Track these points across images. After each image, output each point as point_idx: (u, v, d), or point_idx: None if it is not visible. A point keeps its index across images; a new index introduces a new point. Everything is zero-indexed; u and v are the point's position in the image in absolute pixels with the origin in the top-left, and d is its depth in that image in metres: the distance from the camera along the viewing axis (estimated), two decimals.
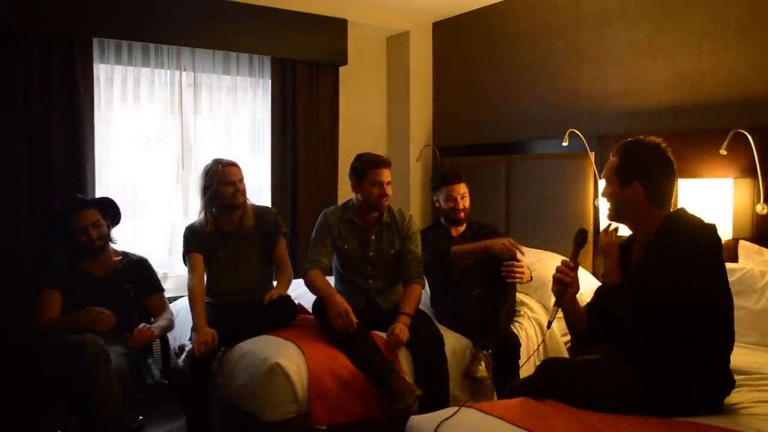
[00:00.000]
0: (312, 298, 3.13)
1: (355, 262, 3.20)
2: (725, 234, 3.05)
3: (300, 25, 4.39)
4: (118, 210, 3.23)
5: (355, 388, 2.74)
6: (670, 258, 2.02)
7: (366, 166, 3.10)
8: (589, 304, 2.32)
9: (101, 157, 3.87)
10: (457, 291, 3.29)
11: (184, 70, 4.20)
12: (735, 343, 2.11)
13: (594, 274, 3.72)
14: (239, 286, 3.18)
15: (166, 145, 4.19)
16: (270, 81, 4.43)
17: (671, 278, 1.99)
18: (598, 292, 2.32)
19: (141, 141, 4.13)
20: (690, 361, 2.01)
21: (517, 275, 3.06)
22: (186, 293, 3.15)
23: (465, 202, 3.43)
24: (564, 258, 2.30)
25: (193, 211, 4.13)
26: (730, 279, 2.79)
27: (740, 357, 2.42)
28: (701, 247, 2.01)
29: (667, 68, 3.51)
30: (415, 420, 2.15)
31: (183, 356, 2.83)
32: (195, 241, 3.16)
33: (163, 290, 3.24)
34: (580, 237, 2.30)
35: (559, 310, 2.29)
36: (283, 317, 3.06)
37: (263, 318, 3.00)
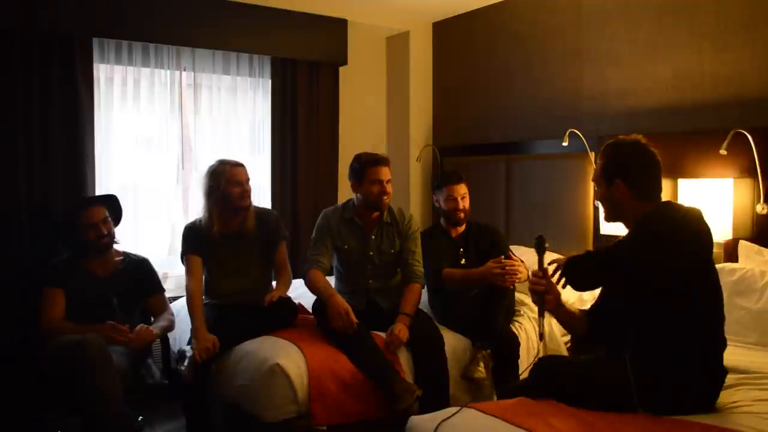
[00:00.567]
0: (312, 298, 3.13)
1: (355, 262, 3.20)
2: (725, 234, 3.05)
3: (300, 25, 4.39)
4: (122, 209, 3.24)
5: (356, 388, 2.74)
6: (633, 240, 2.09)
7: (365, 165, 3.10)
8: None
9: (101, 158, 3.87)
10: (456, 291, 3.29)
11: (184, 70, 4.20)
12: (735, 344, 2.12)
13: None
14: (239, 287, 3.18)
15: (166, 145, 4.19)
16: (270, 81, 4.44)
17: (632, 264, 2.05)
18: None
19: (141, 141, 4.13)
20: (678, 357, 2.03)
21: (515, 277, 3.07)
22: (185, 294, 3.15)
23: (465, 203, 3.43)
24: (534, 269, 2.30)
25: (193, 211, 4.14)
26: (730, 279, 2.84)
27: (740, 356, 2.43)
28: (673, 232, 2.03)
29: (667, 68, 3.51)
30: (415, 420, 2.15)
31: (185, 363, 2.82)
32: (194, 241, 3.15)
33: (163, 290, 3.24)
34: (539, 244, 2.32)
35: (552, 317, 2.31)
36: (283, 318, 3.06)
37: (263, 319, 3.00)
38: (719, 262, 2.90)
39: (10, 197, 3.52)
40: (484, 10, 4.61)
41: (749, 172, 3.08)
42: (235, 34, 4.17)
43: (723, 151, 3.03)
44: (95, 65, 3.81)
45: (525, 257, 3.28)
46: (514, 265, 3.07)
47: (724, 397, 2.10)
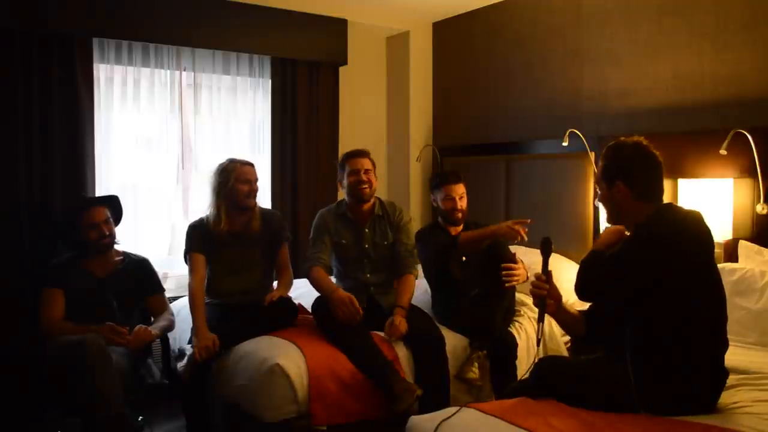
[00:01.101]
0: (311, 298, 3.14)
1: (352, 256, 3.26)
2: (725, 234, 3.05)
3: (300, 25, 4.39)
4: (122, 209, 3.24)
5: (355, 388, 2.74)
6: (634, 243, 2.09)
7: (344, 159, 3.26)
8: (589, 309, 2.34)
9: (101, 158, 3.87)
10: (456, 291, 3.29)
11: (184, 70, 4.20)
12: (735, 343, 2.12)
13: None
14: (242, 287, 3.18)
15: (166, 145, 4.19)
16: (270, 81, 4.44)
17: (627, 261, 2.06)
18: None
19: (141, 141, 4.14)
20: (679, 358, 2.03)
21: (513, 279, 3.07)
22: (186, 293, 3.15)
23: (463, 203, 3.43)
24: (538, 272, 2.30)
25: (193, 211, 4.15)
26: (730, 279, 2.84)
27: (740, 356, 2.43)
28: (673, 234, 2.03)
29: (667, 68, 3.51)
30: (415, 420, 2.15)
31: (183, 362, 2.82)
32: (198, 239, 3.16)
33: (163, 290, 3.24)
34: (545, 247, 2.30)
35: (552, 320, 2.30)
36: (283, 318, 3.06)
37: (263, 319, 3.00)
38: (719, 262, 2.90)
39: (10, 197, 3.52)
40: (484, 10, 4.61)
41: (749, 172, 3.08)
42: (235, 34, 4.17)
43: (723, 151, 3.03)
44: (95, 65, 3.81)
45: (525, 257, 3.28)
46: (512, 269, 3.07)
47: (725, 397, 2.10)
